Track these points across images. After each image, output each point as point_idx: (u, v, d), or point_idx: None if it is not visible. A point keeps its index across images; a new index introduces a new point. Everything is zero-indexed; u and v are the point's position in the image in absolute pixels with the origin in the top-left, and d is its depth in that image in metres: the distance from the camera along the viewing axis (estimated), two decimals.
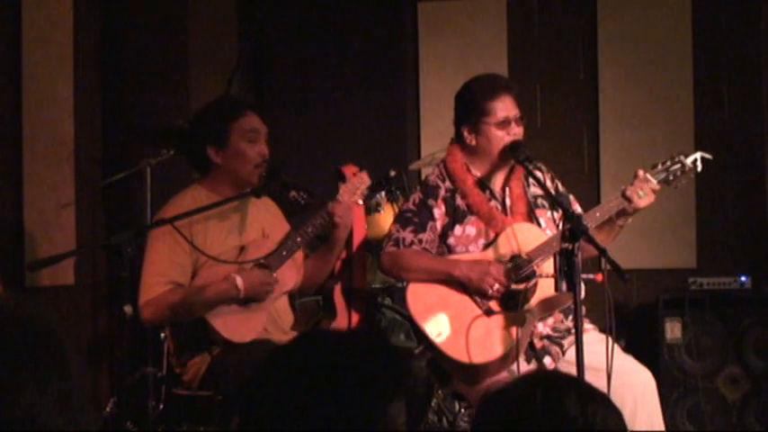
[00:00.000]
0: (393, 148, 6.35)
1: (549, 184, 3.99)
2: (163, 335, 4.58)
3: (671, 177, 3.88)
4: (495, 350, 3.68)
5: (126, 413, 4.56)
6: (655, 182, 3.82)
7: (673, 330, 5.66)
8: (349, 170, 5.46)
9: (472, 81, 3.97)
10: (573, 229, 3.42)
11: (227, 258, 3.89)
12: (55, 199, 5.56)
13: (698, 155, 3.90)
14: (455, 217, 3.89)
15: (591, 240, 3.50)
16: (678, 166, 3.88)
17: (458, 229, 3.89)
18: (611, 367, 3.45)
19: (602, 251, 3.47)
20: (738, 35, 6.20)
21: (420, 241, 3.87)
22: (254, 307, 3.91)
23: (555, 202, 3.86)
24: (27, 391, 1.41)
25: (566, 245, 3.42)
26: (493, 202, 3.92)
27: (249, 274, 3.86)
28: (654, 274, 6.02)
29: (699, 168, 3.89)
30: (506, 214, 3.92)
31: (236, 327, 3.88)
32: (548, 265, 3.67)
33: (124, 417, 4.53)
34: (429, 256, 3.86)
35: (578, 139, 6.32)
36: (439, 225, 3.89)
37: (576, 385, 1.63)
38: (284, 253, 3.94)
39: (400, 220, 3.95)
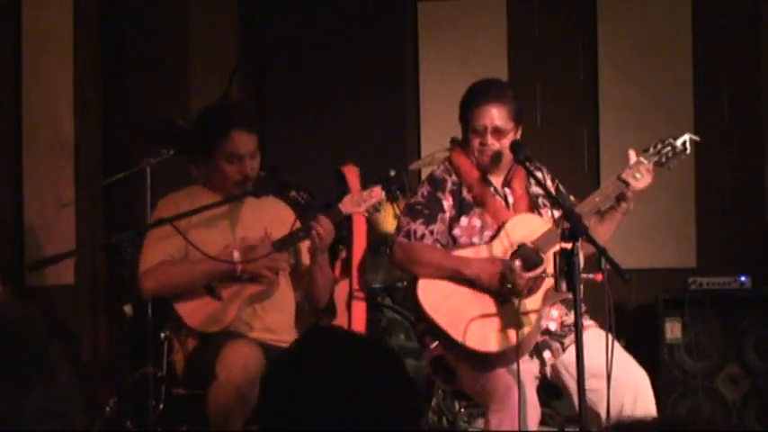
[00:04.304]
0: (393, 148, 6.35)
1: (549, 183, 4.04)
2: (163, 335, 4.58)
3: (663, 159, 3.95)
4: (511, 339, 3.71)
5: (126, 413, 4.56)
6: (648, 163, 3.89)
7: (673, 330, 5.66)
8: (349, 170, 5.47)
9: (468, 87, 4.03)
10: (573, 229, 3.43)
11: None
12: (55, 199, 5.55)
13: (687, 137, 3.99)
14: (461, 209, 3.94)
15: (591, 240, 3.50)
16: (669, 148, 3.96)
17: (463, 221, 3.93)
18: (611, 366, 3.48)
19: (602, 251, 3.48)
20: (738, 36, 6.20)
21: (431, 233, 3.91)
22: (225, 299, 3.96)
23: (556, 202, 3.87)
24: (7, 395, 1.39)
25: (566, 245, 3.43)
26: (497, 197, 3.96)
27: (248, 249, 3.92)
28: (654, 274, 6.02)
29: (688, 150, 3.98)
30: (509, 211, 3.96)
31: (196, 312, 3.95)
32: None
33: (124, 417, 4.53)
34: (441, 252, 3.89)
35: (578, 139, 6.32)
36: (447, 217, 3.94)
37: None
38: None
39: (410, 212, 3.98)
